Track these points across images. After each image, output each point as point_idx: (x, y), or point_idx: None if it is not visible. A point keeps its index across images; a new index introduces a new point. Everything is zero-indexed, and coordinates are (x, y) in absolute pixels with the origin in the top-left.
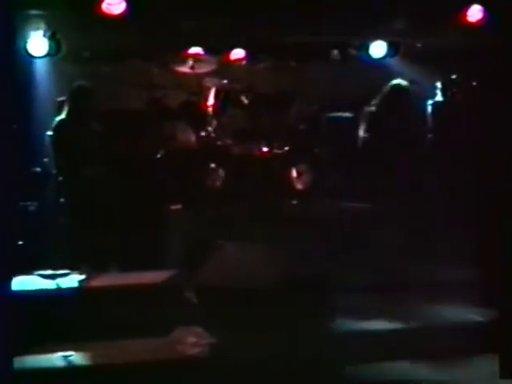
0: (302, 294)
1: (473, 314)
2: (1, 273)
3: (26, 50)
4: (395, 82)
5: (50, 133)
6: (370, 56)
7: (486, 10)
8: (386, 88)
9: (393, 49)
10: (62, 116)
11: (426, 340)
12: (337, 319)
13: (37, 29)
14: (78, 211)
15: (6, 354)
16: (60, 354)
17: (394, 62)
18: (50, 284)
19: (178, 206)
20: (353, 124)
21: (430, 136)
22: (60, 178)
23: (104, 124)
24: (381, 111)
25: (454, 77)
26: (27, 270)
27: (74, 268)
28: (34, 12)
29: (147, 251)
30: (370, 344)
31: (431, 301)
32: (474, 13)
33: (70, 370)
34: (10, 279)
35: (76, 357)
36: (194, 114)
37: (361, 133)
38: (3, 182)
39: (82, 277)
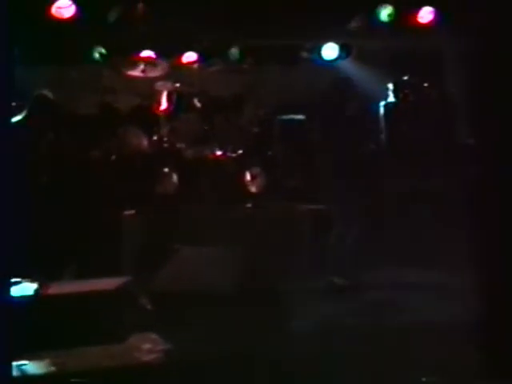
0: (257, 297)
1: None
2: None
3: None
4: None
5: None
6: (322, 58)
7: (437, 12)
8: None
9: (345, 51)
10: (16, 120)
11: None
12: (292, 321)
13: None
14: (31, 218)
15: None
16: (14, 363)
17: (346, 64)
18: None
19: (132, 212)
20: (305, 126)
21: (382, 136)
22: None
23: (56, 130)
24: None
25: (405, 78)
26: None
27: (26, 276)
28: None
29: (101, 257)
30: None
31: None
32: (425, 14)
33: (25, 379)
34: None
35: (31, 366)
36: (146, 118)
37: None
38: None
39: (35, 285)
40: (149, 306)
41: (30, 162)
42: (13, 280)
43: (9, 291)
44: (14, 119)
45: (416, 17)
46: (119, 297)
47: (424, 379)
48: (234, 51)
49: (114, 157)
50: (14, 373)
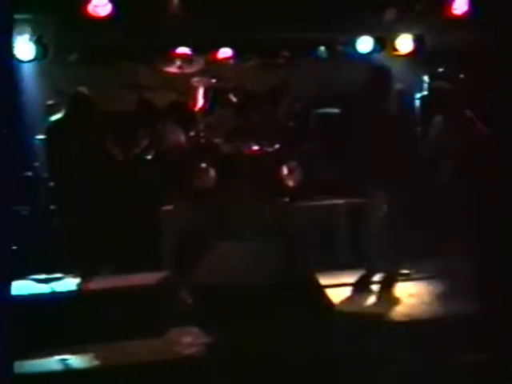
0: (295, 292)
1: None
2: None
3: (13, 55)
4: None
5: (41, 136)
6: (356, 51)
7: (472, 3)
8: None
9: (379, 44)
10: (56, 119)
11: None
12: (332, 317)
13: (23, 33)
14: (70, 215)
15: (6, 358)
16: (57, 357)
17: (381, 57)
18: (44, 288)
19: (170, 207)
20: (341, 119)
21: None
22: (52, 182)
23: (94, 127)
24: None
25: (441, 70)
26: (21, 275)
27: (68, 272)
28: (19, 16)
29: (141, 253)
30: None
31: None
32: (460, 6)
33: (68, 373)
34: (10, 284)
35: (73, 360)
36: (183, 114)
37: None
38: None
39: (77, 280)
40: (189, 300)
41: (70, 160)
42: (55, 276)
43: (8, 292)
44: (53, 118)
45: (450, 8)
46: (160, 291)
47: None
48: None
49: (152, 153)
50: (59, 367)
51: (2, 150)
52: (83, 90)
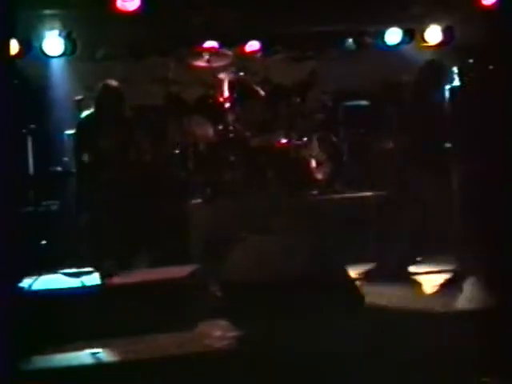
0: (325, 286)
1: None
2: (8, 273)
3: (42, 50)
4: None
5: (71, 131)
6: (385, 43)
7: None
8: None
9: (408, 35)
10: (86, 114)
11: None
12: (362, 311)
13: (52, 28)
14: (100, 209)
15: (9, 353)
16: (88, 351)
17: (410, 49)
18: (74, 282)
19: (199, 201)
20: (370, 111)
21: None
22: (81, 177)
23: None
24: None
25: (470, 61)
26: (51, 269)
27: (98, 266)
28: (48, 12)
29: (170, 247)
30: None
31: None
32: None
33: (98, 366)
34: (18, 279)
35: (104, 353)
36: (212, 108)
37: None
38: (5, 185)
39: (105, 275)
40: (219, 293)
41: (100, 154)
42: (85, 270)
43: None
44: (83, 114)
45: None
46: (189, 284)
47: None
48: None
49: (180, 147)
50: (89, 360)
51: (21, 147)
52: (112, 81)
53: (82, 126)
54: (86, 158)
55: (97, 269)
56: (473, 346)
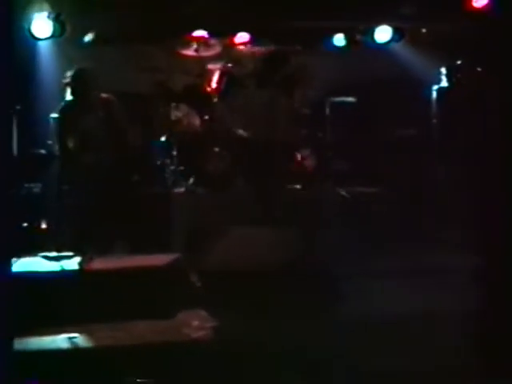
0: (306, 279)
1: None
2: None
3: (30, 32)
4: None
5: (54, 115)
6: (374, 41)
7: None
8: None
9: (398, 34)
10: (67, 99)
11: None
12: (341, 305)
13: (41, 10)
14: (81, 194)
15: (6, 335)
16: (65, 335)
17: (399, 47)
18: (54, 266)
19: (182, 190)
20: (356, 108)
21: (434, 122)
22: (63, 161)
23: (107, 108)
24: None
25: (459, 62)
26: (31, 252)
27: (79, 250)
28: None
29: (151, 234)
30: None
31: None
32: None
33: (75, 351)
34: (9, 261)
35: (81, 339)
36: (198, 98)
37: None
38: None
39: (85, 259)
40: (198, 283)
41: (81, 139)
42: (65, 254)
43: (9, 268)
44: (65, 99)
45: (471, 0)
46: (169, 273)
47: None
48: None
49: (166, 135)
50: (66, 345)
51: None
52: (83, 65)
53: (62, 109)
54: (68, 142)
55: (77, 253)
56: (471, 346)
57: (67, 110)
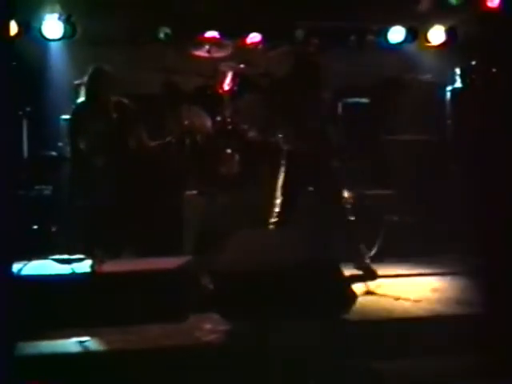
0: (317, 280)
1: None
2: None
3: (41, 33)
4: None
5: (66, 116)
6: (388, 42)
7: None
8: None
9: (411, 34)
10: (81, 100)
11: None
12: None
13: (52, 12)
14: (94, 196)
15: (9, 338)
16: (75, 339)
17: (413, 48)
18: (64, 269)
19: (193, 192)
20: (369, 109)
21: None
22: (75, 163)
23: (120, 110)
24: None
25: (473, 63)
26: (42, 255)
27: (90, 253)
28: None
29: (163, 237)
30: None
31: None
32: None
33: (86, 355)
34: (11, 263)
35: (92, 342)
36: (210, 99)
37: None
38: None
39: (98, 262)
40: (210, 286)
41: (94, 140)
42: (76, 257)
43: (11, 271)
44: (78, 100)
45: (485, 1)
46: (180, 276)
47: None
48: (300, 33)
49: (177, 136)
50: (77, 348)
51: (15, 131)
52: (100, 65)
53: (76, 110)
54: (80, 144)
55: (88, 255)
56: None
57: (79, 111)
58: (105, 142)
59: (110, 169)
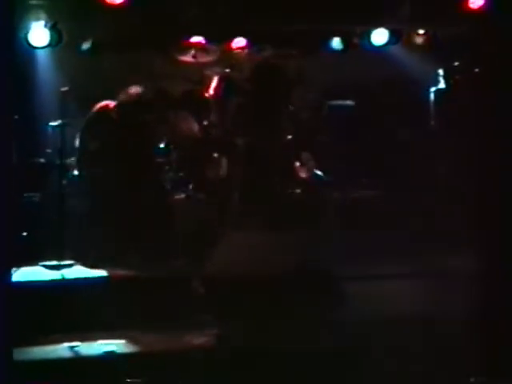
0: (309, 282)
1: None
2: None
3: (27, 41)
4: None
5: (54, 123)
6: (371, 44)
7: None
8: None
9: (395, 36)
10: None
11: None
12: (345, 307)
13: (38, 19)
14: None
15: (6, 344)
16: (66, 344)
17: (396, 50)
18: (54, 275)
19: (182, 196)
20: (355, 112)
21: (433, 123)
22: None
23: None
24: None
25: (456, 64)
26: (31, 261)
27: (79, 259)
28: (34, 2)
29: (151, 241)
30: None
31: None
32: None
33: (77, 360)
34: (10, 270)
35: (83, 347)
36: (197, 104)
37: None
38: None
39: (87, 267)
40: (201, 289)
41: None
42: (65, 263)
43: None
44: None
45: (467, 2)
46: (171, 280)
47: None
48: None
49: (165, 142)
50: (67, 354)
51: (8, 137)
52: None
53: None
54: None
55: (77, 262)
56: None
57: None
58: (98, 151)
59: (102, 175)
